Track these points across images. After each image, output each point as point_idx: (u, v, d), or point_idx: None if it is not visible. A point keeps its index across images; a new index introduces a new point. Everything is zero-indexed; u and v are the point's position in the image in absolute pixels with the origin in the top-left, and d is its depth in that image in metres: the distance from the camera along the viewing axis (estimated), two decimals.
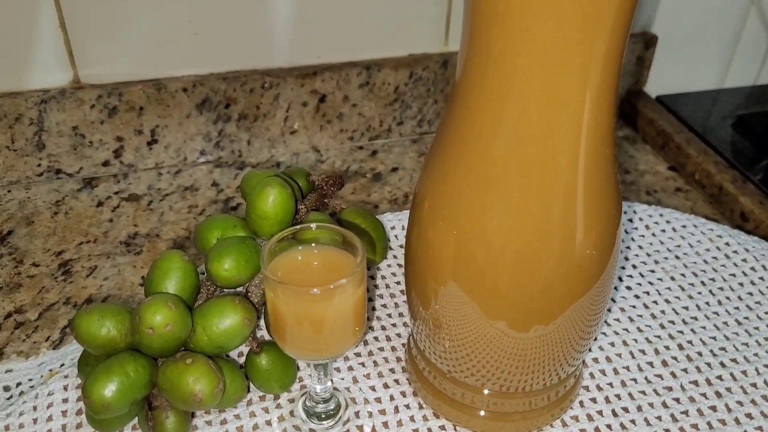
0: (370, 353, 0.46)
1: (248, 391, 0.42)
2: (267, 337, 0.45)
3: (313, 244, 0.37)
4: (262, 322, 0.46)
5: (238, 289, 0.42)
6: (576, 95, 0.30)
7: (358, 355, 0.45)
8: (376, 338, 0.47)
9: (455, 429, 0.41)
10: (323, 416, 0.41)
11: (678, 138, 0.68)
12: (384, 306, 0.49)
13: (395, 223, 0.56)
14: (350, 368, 0.44)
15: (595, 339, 0.47)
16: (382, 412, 0.42)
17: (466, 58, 0.32)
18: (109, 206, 0.60)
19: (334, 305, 0.34)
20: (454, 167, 0.34)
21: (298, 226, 0.37)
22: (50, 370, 0.45)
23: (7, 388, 0.44)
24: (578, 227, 0.34)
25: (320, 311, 0.35)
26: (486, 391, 0.40)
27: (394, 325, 0.48)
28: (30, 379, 0.45)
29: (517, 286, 0.35)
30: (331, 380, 0.41)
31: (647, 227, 0.56)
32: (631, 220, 0.57)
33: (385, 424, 0.41)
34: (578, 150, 0.32)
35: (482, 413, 0.41)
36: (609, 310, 0.49)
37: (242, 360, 0.44)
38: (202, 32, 0.61)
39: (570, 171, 0.32)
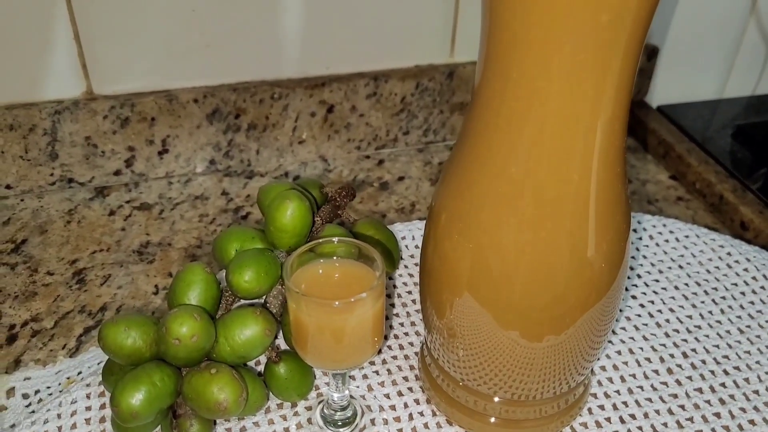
0: (384, 362, 0.47)
1: (267, 399, 0.43)
2: (284, 347, 0.46)
3: (334, 258, 0.38)
4: (279, 332, 0.47)
5: (255, 300, 0.43)
6: (590, 116, 0.32)
7: (372, 363, 0.46)
8: (389, 347, 0.48)
9: None
10: (340, 423, 0.42)
11: (679, 148, 0.69)
12: (396, 315, 0.50)
13: (405, 234, 0.57)
14: (365, 376, 0.46)
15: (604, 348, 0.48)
16: (397, 419, 0.43)
17: (483, 79, 0.33)
18: (121, 215, 0.61)
19: (355, 317, 0.36)
20: (470, 183, 0.35)
21: (320, 240, 0.38)
22: (68, 378, 0.46)
23: (25, 396, 0.45)
24: (590, 241, 0.35)
25: (341, 323, 0.36)
26: (497, 399, 0.41)
27: (406, 334, 0.49)
28: (48, 387, 0.45)
29: (531, 298, 0.36)
30: (348, 388, 0.42)
31: (651, 237, 0.57)
32: (635, 230, 0.58)
33: (400, 431, 0.42)
34: (591, 168, 0.33)
35: (493, 420, 0.42)
36: (616, 320, 0.50)
37: (260, 369, 0.45)
38: (213, 44, 0.62)
39: (583, 188, 0.34)
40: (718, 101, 0.78)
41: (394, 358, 0.47)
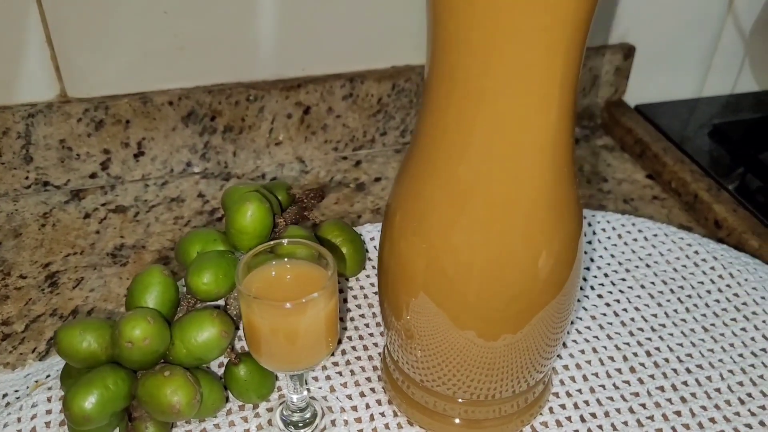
0: (348, 362, 0.47)
1: (227, 401, 0.43)
2: (246, 349, 0.46)
3: (286, 259, 0.38)
4: (241, 333, 0.47)
5: (217, 302, 0.43)
6: (535, 116, 0.32)
7: (335, 364, 0.47)
8: (353, 347, 0.48)
9: None
10: (300, 425, 0.42)
11: (655, 147, 0.69)
12: (362, 316, 0.50)
13: (375, 234, 0.57)
14: (328, 377, 0.46)
15: (564, 346, 0.48)
16: (358, 420, 0.43)
17: (430, 80, 0.33)
18: (96, 218, 0.61)
19: (307, 318, 0.36)
20: (423, 184, 0.36)
21: (271, 242, 0.38)
22: (36, 381, 0.46)
23: None
24: (540, 241, 0.35)
25: (293, 324, 0.36)
26: (460, 400, 0.41)
27: (371, 334, 0.49)
28: (16, 390, 0.45)
29: (485, 298, 0.36)
30: (308, 389, 0.42)
31: (620, 236, 0.57)
32: (604, 230, 0.58)
33: None
34: (538, 168, 0.33)
35: (457, 421, 0.42)
36: (580, 318, 0.50)
37: (222, 371, 0.45)
38: (187, 46, 0.62)
39: (531, 188, 0.34)
40: (696, 100, 0.78)
41: (358, 358, 0.47)
